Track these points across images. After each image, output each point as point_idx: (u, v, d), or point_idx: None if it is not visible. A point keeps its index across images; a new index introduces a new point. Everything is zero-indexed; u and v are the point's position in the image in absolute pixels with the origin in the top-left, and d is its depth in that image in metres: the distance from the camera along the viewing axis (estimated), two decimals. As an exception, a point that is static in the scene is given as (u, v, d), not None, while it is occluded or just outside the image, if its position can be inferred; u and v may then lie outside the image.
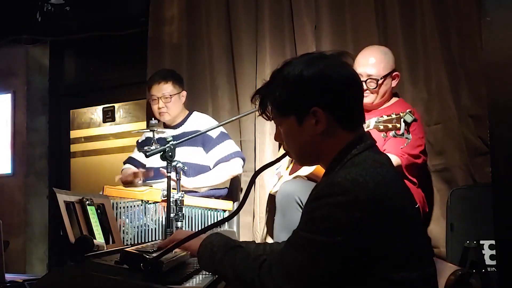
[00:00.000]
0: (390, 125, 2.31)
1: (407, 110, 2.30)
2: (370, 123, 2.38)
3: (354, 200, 1.29)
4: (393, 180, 1.38)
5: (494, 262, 2.75)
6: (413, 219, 1.39)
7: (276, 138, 1.58)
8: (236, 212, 1.56)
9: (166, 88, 3.44)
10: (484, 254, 2.80)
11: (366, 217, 1.28)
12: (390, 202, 1.32)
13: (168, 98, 3.43)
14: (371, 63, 2.95)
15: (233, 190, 3.51)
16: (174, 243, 1.57)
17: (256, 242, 1.93)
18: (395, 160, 2.80)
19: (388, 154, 2.74)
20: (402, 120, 2.26)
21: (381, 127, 2.32)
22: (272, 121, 1.54)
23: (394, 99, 3.11)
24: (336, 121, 1.44)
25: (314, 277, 1.31)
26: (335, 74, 1.45)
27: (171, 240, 1.68)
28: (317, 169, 2.82)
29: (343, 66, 1.49)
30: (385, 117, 2.32)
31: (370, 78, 2.92)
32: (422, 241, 1.42)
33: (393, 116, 2.31)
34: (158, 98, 3.44)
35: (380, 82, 2.94)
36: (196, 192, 3.24)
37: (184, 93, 3.54)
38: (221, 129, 3.41)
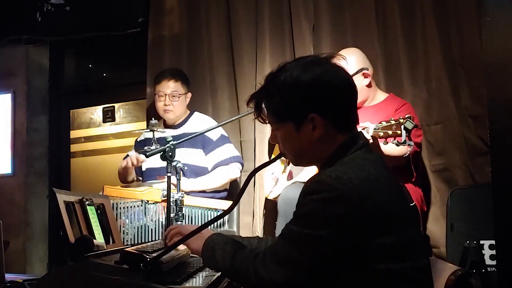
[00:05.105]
0: (390, 132, 2.30)
1: (406, 116, 2.28)
2: (369, 129, 2.36)
3: (338, 196, 1.35)
4: (381, 177, 1.43)
5: (494, 262, 2.75)
6: (400, 214, 1.43)
7: (272, 140, 1.61)
8: (231, 208, 1.59)
9: (175, 87, 3.43)
10: (484, 254, 2.80)
11: (350, 212, 1.34)
12: (374, 198, 1.37)
13: (175, 96, 3.41)
14: None
15: (233, 192, 3.50)
16: (177, 240, 1.61)
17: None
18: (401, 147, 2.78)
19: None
20: (402, 127, 2.25)
21: (381, 134, 2.32)
22: (268, 123, 1.56)
23: (383, 95, 3.09)
24: (333, 125, 1.47)
25: (302, 267, 1.40)
26: (331, 80, 1.47)
27: (174, 232, 1.73)
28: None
29: (338, 70, 1.51)
30: (384, 124, 2.31)
31: None
32: (412, 234, 1.45)
33: (392, 122, 2.30)
34: (165, 95, 3.41)
35: None
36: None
37: (189, 94, 3.53)
38: (222, 132, 3.40)
